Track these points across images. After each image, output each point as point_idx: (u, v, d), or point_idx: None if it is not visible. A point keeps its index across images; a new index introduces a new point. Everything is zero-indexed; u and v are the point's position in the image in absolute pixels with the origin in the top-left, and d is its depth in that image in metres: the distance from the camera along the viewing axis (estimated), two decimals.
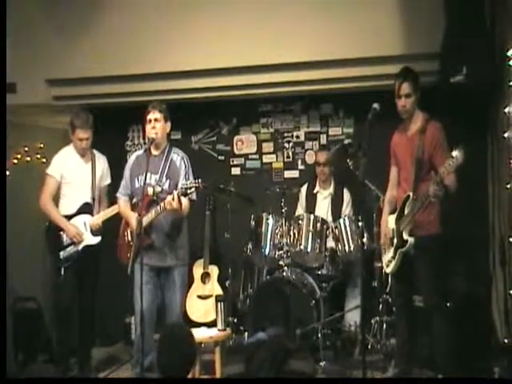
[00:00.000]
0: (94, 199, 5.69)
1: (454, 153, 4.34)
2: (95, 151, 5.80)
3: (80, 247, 5.58)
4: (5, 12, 5.59)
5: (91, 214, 5.66)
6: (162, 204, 5.04)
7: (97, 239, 5.66)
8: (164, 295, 5.31)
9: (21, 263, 5.68)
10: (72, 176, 5.64)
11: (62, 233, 5.57)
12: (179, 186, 5.10)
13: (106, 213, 5.69)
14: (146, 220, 5.07)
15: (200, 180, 4.95)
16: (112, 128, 7.09)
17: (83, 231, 5.60)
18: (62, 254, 5.57)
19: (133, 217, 5.18)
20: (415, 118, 5.01)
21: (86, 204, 5.65)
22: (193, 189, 4.92)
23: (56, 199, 5.68)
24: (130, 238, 5.29)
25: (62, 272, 5.55)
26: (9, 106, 6.56)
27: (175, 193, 4.94)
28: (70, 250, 5.57)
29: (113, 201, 5.70)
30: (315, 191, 6.41)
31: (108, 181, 5.86)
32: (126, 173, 5.41)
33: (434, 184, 4.58)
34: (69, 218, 5.61)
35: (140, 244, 4.92)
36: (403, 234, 4.87)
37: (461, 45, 5.45)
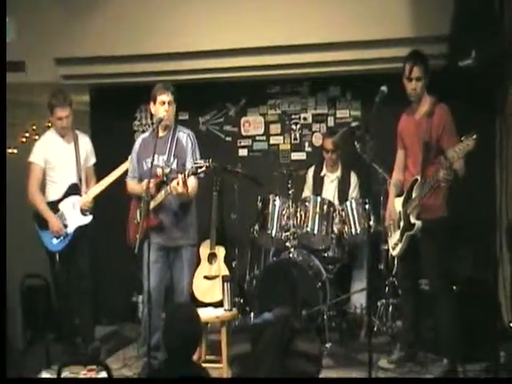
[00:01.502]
0: (80, 180, 5.68)
1: (466, 140, 4.32)
2: (77, 131, 5.78)
3: (72, 229, 5.59)
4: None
5: (79, 194, 5.66)
6: (167, 188, 5.07)
7: (88, 219, 5.66)
8: (172, 274, 5.35)
9: (30, 240, 5.70)
10: (56, 159, 5.62)
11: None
12: (188, 165, 5.13)
13: (97, 187, 5.70)
14: (155, 201, 5.10)
15: (210, 160, 4.95)
16: (120, 108, 7.12)
17: (72, 213, 5.60)
18: (54, 240, 5.58)
19: (139, 186, 5.25)
20: (423, 101, 5.01)
21: (73, 185, 5.64)
22: (203, 168, 4.92)
23: (42, 186, 5.66)
24: (139, 220, 5.30)
25: (57, 258, 5.56)
26: (17, 85, 6.61)
27: (180, 177, 4.94)
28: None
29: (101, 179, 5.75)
30: (322, 174, 6.41)
31: (93, 160, 5.85)
32: (133, 156, 5.41)
33: (443, 168, 4.57)
34: (57, 202, 5.61)
35: (147, 224, 4.94)
36: (410, 218, 4.88)
37: (469, 28, 5.42)
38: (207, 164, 4.92)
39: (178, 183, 4.93)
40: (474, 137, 4.29)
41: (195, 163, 4.98)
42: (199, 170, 4.94)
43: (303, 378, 3.14)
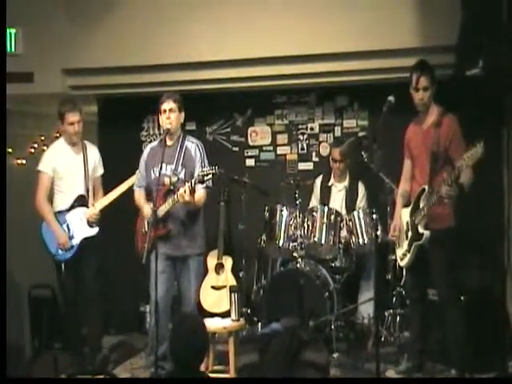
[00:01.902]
0: (87, 190, 5.67)
1: (475, 147, 4.33)
2: (86, 142, 5.78)
3: (78, 241, 5.58)
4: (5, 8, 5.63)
5: (86, 206, 5.65)
6: (175, 195, 5.08)
7: (94, 230, 5.64)
8: (179, 284, 5.36)
9: (37, 250, 5.71)
10: (64, 169, 5.61)
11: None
12: (196, 173, 5.13)
13: (104, 200, 5.68)
14: (162, 210, 5.11)
15: (217, 167, 4.96)
16: (127, 118, 7.14)
17: (79, 224, 5.59)
18: (60, 251, 5.56)
19: (145, 207, 5.26)
20: (431, 111, 5.00)
21: (81, 196, 5.64)
22: (210, 175, 4.94)
23: (50, 195, 5.66)
24: (146, 229, 5.31)
25: (63, 268, 5.55)
26: (26, 96, 6.65)
27: (187, 185, 4.96)
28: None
29: (108, 191, 5.74)
30: (330, 184, 6.40)
31: (101, 171, 5.85)
32: (142, 165, 5.44)
33: (446, 184, 4.58)
34: (64, 213, 5.60)
35: (155, 234, 4.95)
36: (418, 228, 4.86)
37: (477, 37, 5.41)
38: (213, 171, 4.94)
39: (184, 191, 4.95)
40: (482, 143, 4.29)
41: (201, 171, 5.00)
42: (206, 178, 4.96)
43: (307, 379, 3.11)
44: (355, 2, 6.05)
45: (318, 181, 6.49)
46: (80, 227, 5.60)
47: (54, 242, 5.54)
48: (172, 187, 5.19)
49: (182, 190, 4.98)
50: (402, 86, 4.97)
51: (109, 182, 5.86)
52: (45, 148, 6.45)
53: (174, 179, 5.20)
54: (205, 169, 5.05)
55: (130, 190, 5.55)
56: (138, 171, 5.47)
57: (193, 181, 4.98)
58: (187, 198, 4.97)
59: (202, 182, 4.99)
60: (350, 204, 6.24)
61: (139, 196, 5.42)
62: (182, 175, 5.25)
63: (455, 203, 4.84)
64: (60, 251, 5.54)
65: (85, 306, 5.63)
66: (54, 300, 6.28)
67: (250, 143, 7.16)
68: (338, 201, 6.31)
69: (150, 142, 6.79)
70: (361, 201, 6.27)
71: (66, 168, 5.62)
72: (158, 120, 5.45)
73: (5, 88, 5.48)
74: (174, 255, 5.27)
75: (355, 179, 6.35)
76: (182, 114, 5.35)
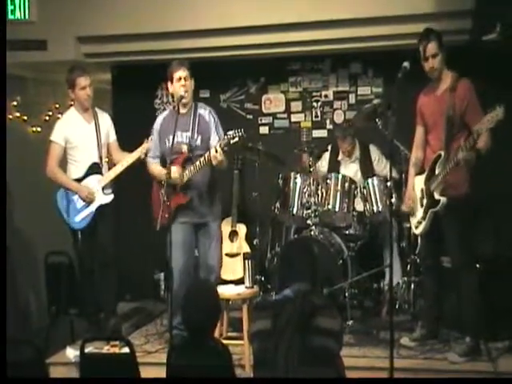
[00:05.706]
0: (101, 158, 5.67)
1: (495, 110, 4.28)
2: (97, 109, 5.77)
3: (94, 208, 5.59)
4: None
5: (101, 173, 5.65)
6: (202, 159, 5.07)
7: (110, 197, 5.65)
8: (200, 251, 5.40)
9: (53, 217, 5.74)
10: (77, 138, 5.60)
11: (74, 197, 5.57)
12: (212, 139, 5.19)
13: (118, 167, 5.66)
14: (183, 177, 5.13)
15: (242, 130, 4.96)
16: (141, 86, 7.12)
17: (95, 191, 5.60)
18: (76, 218, 5.58)
19: (162, 172, 5.21)
20: (444, 76, 4.94)
21: (95, 164, 5.63)
22: (236, 138, 4.93)
23: (64, 164, 5.66)
24: (165, 198, 5.31)
25: (80, 235, 5.59)
26: (40, 63, 6.64)
27: (218, 144, 4.97)
28: (85, 212, 5.58)
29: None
30: (339, 159, 6.33)
31: (114, 137, 5.82)
32: (155, 135, 5.41)
33: (463, 150, 4.54)
34: (79, 180, 5.60)
35: (176, 203, 4.95)
36: (434, 194, 4.83)
37: (494, 1, 5.34)
38: (240, 134, 4.93)
39: (216, 150, 4.95)
40: (503, 107, 4.24)
41: (229, 134, 4.97)
42: (232, 142, 4.95)
43: (308, 379, 3.10)
44: None
45: (327, 154, 6.42)
46: (96, 194, 5.62)
47: (74, 206, 5.56)
48: (190, 155, 5.19)
49: (213, 152, 4.97)
50: (417, 52, 4.92)
51: (123, 150, 5.85)
52: (59, 116, 6.45)
53: (192, 146, 5.20)
54: (229, 133, 5.01)
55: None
56: (150, 141, 5.44)
57: (222, 142, 4.97)
58: (220, 157, 4.96)
59: (228, 144, 4.98)
60: (367, 170, 6.16)
61: (155, 167, 5.39)
62: (198, 142, 5.25)
63: (472, 169, 4.80)
64: (77, 218, 5.55)
65: (101, 273, 5.67)
66: (70, 266, 6.33)
67: (264, 111, 7.14)
68: (352, 169, 6.25)
69: (164, 109, 6.78)
70: (377, 163, 6.20)
71: (79, 137, 5.61)
72: (168, 89, 5.41)
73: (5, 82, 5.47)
74: (194, 223, 5.30)
75: (365, 147, 6.27)
76: (193, 82, 5.32)
